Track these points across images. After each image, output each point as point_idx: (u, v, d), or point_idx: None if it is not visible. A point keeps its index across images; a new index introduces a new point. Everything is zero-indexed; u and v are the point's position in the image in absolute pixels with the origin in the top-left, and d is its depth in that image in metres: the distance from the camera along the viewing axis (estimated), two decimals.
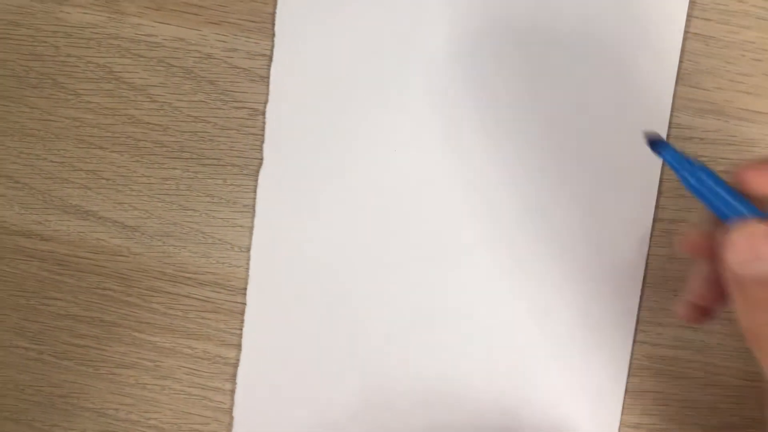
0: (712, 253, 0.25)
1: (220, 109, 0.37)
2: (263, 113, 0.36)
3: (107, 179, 0.37)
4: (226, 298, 0.37)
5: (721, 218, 0.25)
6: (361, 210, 0.36)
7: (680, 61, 0.36)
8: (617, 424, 0.36)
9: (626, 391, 0.36)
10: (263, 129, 0.36)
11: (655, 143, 0.26)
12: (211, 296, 0.37)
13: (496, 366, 0.36)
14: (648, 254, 0.37)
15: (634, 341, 0.37)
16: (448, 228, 0.36)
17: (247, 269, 0.37)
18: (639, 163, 0.37)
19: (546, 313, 0.36)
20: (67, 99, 0.37)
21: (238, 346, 0.37)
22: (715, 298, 0.27)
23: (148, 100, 0.37)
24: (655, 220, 0.37)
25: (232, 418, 0.37)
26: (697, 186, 0.25)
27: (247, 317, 0.37)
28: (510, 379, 0.36)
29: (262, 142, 0.36)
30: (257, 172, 0.37)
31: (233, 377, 0.37)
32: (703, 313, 0.27)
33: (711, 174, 0.25)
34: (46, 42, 0.36)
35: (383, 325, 0.37)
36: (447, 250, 0.36)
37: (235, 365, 0.37)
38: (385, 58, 0.36)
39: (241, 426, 0.37)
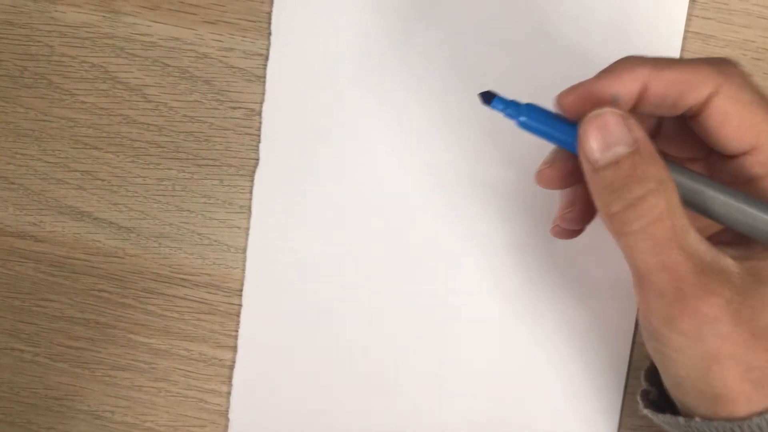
0: (566, 181, 0.28)
1: (216, 109, 0.36)
2: (259, 113, 0.36)
3: (102, 180, 0.37)
4: (222, 300, 0.37)
5: (561, 145, 0.27)
6: (357, 211, 0.36)
7: None
8: (617, 425, 0.36)
9: (626, 391, 0.36)
10: (259, 129, 0.36)
11: (486, 97, 0.27)
12: (207, 298, 0.37)
13: (494, 368, 0.36)
14: None
15: (634, 341, 0.37)
16: (445, 229, 0.36)
17: (243, 270, 0.37)
18: None
19: (542, 314, 0.36)
20: (62, 99, 0.36)
21: (235, 348, 0.37)
22: (581, 217, 0.30)
23: (144, 100, 0.36)
24: None
25: (228, 420, 0.37)
26: (530, 123, 0.26)
27: (242, 319, 0.37)
28: (508, 381, 0.36)
29: (259, 142, 0.36)
30: (253, 172, 0.36)
31: (229, 379, 0.37)
32: (572, 231, 0.30)
33: (539, 109, 0.26)
34: (40, 41, 0.36)
35: (380, 326, 0.36)
36: (443, 251, 0.36)
37: (232, 367, 0.37)
38: (382, 58, 0.36)
39: (237, 428, 0.37)
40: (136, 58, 0.36)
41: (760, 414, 0.24)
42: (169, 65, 0.36)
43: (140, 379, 0.37)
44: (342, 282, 0.36)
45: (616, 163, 0.25)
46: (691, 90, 0.26)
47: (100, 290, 0.37)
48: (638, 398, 0.29)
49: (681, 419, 0.26)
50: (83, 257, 0.37)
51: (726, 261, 0.25)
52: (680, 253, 0.24)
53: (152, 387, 0.37)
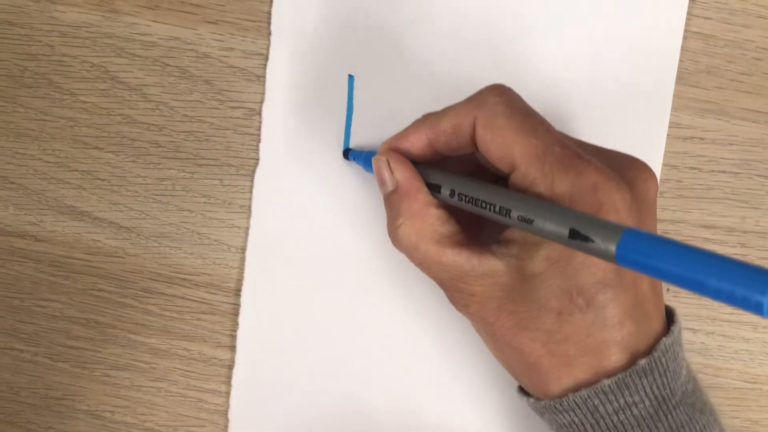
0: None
1: (216, 108, 0.36)
2: (259, 113, 0.36)
3: (102, 180, 0.37)
4: (222, 300, 0.37)
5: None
6: (357, 210, 0.36)
7: (680, 60, 0.36)
8: None
9: None
10: (259, 129, 0.36)
11: (346, 154, 0.36)
12: (206, 297, 0.37)
13: (495, 367, 0.36)
14: None
15: None
16: None
17: (243, 270, 0.36)
18: None
19: None
20: (62, 99, 0.36)
21: (234, 348, 0.37)
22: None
23: (144, 99, 0.36)
24: None
25: (227, 420, 0.37)
26: (354, 160, 0.35)
27: (241, 319, 0.36)
28: (506, 380, 0.36)
29: (259, 142, 0.36)
30: (253, 172, 0.36)
31: (229, 379, 0.37)
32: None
33: (362, 153, 0.35)
34: (40, 41, 0.36)
35: (379, 324, 0.36)
36: None
37: (231, 367, 0.37)
38: (382, 57, 0.36)
39: (237, 428, 0.37)
40: (137, 58, 0.36)
41: (573, 391, 0.29)
42: (169, 65, 0.36)
43: (140, 379, 0.37)
44: (341, 281, 0.36)
45: (386, 197, 0.31)
46: (460, 130, 0.30)
47: (99, 290, 0.37)
48: (516, 388, 0.33)
49: (530, 400, 0.31)
50: (83, 257, 0.37)
51: (491, 263, 0.29)
52: (438, 268, 0.30)
53: (152, 387, 0.37)
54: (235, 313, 0.37)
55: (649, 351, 0.28)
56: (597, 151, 0.30)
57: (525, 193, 0.28)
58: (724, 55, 0.36)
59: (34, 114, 0.37)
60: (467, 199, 0.29)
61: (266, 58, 0.36)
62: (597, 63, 0.36)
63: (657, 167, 0.36)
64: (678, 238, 0.37)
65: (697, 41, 0.36)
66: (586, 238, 0.24)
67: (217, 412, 0.37)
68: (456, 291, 0.30)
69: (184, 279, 0.37)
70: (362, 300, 0.36)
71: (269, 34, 0.36)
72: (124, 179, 0.37)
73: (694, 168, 0.37)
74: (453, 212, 0.31)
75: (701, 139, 0.37)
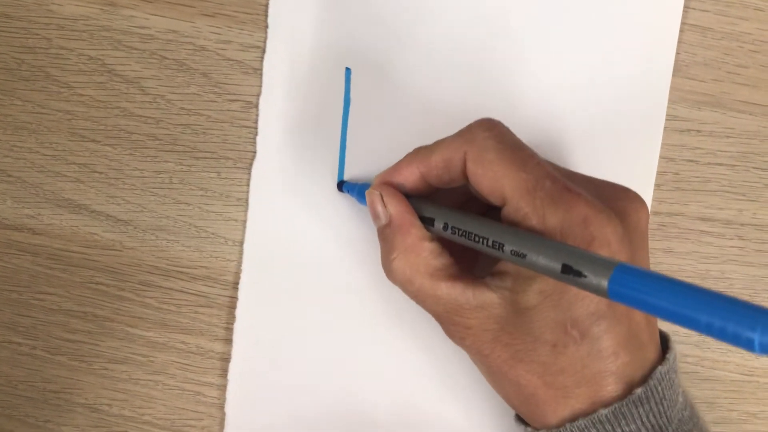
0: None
1: (214, 101, 0.36)
2: (257, 106, 0.36)
3: (100, 173, 0.37)
4: (219, 293, 0.37)
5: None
6: (354, 203, 0.36)
7: (677, 53, 0.36)
8: None
9: None
10: (256, 122, 0.36)
11: (340, 186, 0.36)
12: (204, 291, 0.37)
13: None
14: None
15: None
16: None
17: (240, 263, 0.37)
18: (635, 157, 0.36)
19: None
20: (60, 92, 0.36)
21: (232, 341, 0.37)
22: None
23: (141, 92, 0.36)
24: (652, 213, 0.37)
25: (224, 413, 0.37)
26: (348, 193, 0.35)
27: (238, 312, 0.36)
28: None
29: (256, 134, 0.36)
30: (250, 165, 0.36)
31: (226, 372, 0.37)
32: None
33: (356, 185, 0.35)
34: (38, 34, 0.36)
35: (376, 318, 0.36)
36: None
37: (229, 360, 0.37)
38: (379, 50, 0.36)
39: (234, 421, 0.37)
40: (134, 51, 0.36)
41: (571, 421, 0.29)
42: (166, 58, 0.36)
43: (137, 372, 0.37)
44: (339, 275, 0.36)
45: (380, 230, 0.32)
46: (451, 165, 0.30)
47: (97, 283, 0.37)
48: (514, 417, 0.33)
49: (528, 429, 0.31)
50: (81, 250, 0.37)
51: (485, 296, 0.29)
52: (433, 302, 0.30)
53: (149, 380, 0.37)
54: (233, 306, 0.37)
55: (644, 380, 0.28)
56: (587, 182, 0.31)
57: (517, 226, 0.28)
58: (720, 47, 0.36)
59: (32, 107, 0.37)
60: (460, 232, 0.29)
61: (263, 51, 0.36)
62: (593, 56, 0.36)
63: (654, 159, 0.36)
64: (675, 230, 0.37)
65: (694, 34, 0.36)
66: (579, 273, 0.24)
67: (215, 405, 0.37)
68: (451, 324, 0.30)
69: (181, 272, 0.37)
70: (359, 292, 0.36)
71: (266, 26, 0.36)
72: (121, 172, 0.37)
73: (691, 160, 0.37)
74: (446, 244, 0.31)
75: (698, 131, 0.37)
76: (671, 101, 0.36)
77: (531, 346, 0.29)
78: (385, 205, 0.31)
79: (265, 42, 0.36)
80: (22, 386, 0.38)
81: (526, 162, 0.29)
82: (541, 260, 0.26)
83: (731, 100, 0.37)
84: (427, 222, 0.31)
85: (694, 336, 0.37)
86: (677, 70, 0.36)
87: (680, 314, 0.21)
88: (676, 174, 0.37)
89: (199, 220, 0.37)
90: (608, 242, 0.27)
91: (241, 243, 0.37)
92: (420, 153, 0.31)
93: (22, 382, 0.38)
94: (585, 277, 0.24)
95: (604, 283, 0.23)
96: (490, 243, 0.28)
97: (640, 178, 0.36)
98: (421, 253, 0.30)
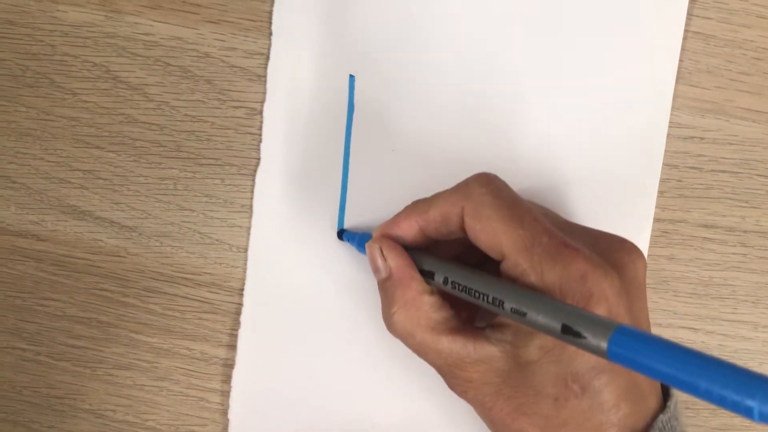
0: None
1: (218, 108, 0.36)
2: (261, 112, 0.36)
3: (104, 179, 0.37)
4: (224, 299, 0.37)
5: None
6: (359, 208, 0.36)
7: (680, 60, 0.36)
8: None
9: None
10: (261, 128, 0.36)
11: (340, 235, 0.36)
12: (208, 297, 0.37)
13: None
14: (648, 255, 0.37)
15: None
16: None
17: (245, 270, 0.37)
18: (639, 163, 0.36)
19: None
20: (64, 98, 0.36)
21: (236, 348, 0.37)
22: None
23: (145, 99, 0.36)
24: (655, 220, 0.37)
25: (228, 419, 0.37)
26: (349, 242, 0.36)
27: (243, 318, 0.37)
28: None
29: (260, 141, 0.36)
30: (255, 171, 0.36)
31: (230, 379, 0.37)
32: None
33: (357, 235, 0.35)
34: (42, 41, 0.36)
35: (381, 325, 0.36)
36: None
37: (233, 366, 0.37)
38: (383, 57, 0.36)
39: (237, 427, 0.37)
40: (138, 58, 0.36)
41: None
42: (170, 65, 0.36)
43: (142, 378, 0.37)
44: (343, 281, 0.36)
45: (380, 283, 0.32)
46: (449, 219, 0.30)
47: (101, 289, 0.37)
48: None
49: None
50: (85, 256, 0.37)
51: (486, 350, 0.29)
52: (434, 356, 0.30)
53: (154, 386, 0.37)
54: (237, 313, 0.37)
55: (646, 430, 0.29)
56: (583, 233, 0.31)
57: (516, 281, 0.28)
58: (724, 54, 0.37)
59: (36, 114, 0.37)
60: (460, 287, 0.30)
61: (267, 58, 0.36)
62: (596, 63, 0.36)
63: (657, 167, 0.36)
64: (678, 237, 0.37)
65: (697, 41, 0.36)
66: (578, 334, 0.24)
67: (219, 411, 0.37)
68: (453, 377, 0.30)
69: (185, 278, 0.37)
70: (364, 299, 0.36)
71: (270, 34, 0.36)
72: (125, 179, 0.37)
73: (695, 167, 0.37)
74: (447, 294, 0.31)
75: (701, 138, 0.37)
76: (674, 108, 0.37)
77: (533, 400, 0.29)
78: (385, 259, 0.32)
79: (269, 49, 0.36)
80: (27, 392, 0.38)
81: (523, 218, 0.29)
82: (541, 319, 0.26)
83: (734, 108, 0.37)
84: (427, 275, 0.31)
85: (697, 342, 0.37)
86: (680, 78, 0.36)
87: (679, 379, 0.21)
88: (679, 181, 0.37)
89: (203, 227, 0.37)
90: (606, 297, 0.27)
91: (246, 249, 0.37)
92: (418, 207, 0.32)
93: (27, 387, 0.38)
94: (584, 338, 0.24)
95: (604, 344, 0.23)
96: (490, 300, 0.28)
97: (643, 185, 0.36)
98: (422, 307, 0.31)
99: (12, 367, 0.38)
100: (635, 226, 0.36)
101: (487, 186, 0.30)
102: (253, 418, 0.37)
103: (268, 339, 0.37)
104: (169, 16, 0.36)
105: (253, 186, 0.36)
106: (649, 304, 0.37)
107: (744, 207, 0.37)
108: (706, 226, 0.37)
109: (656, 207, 0.37)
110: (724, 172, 0.37)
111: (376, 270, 0.32)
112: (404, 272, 0.31)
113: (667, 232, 0.37)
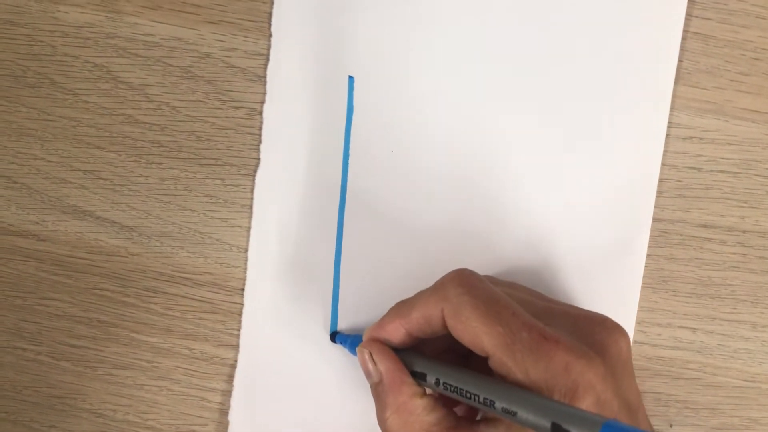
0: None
1: (218, 108, 0.36)
2: (261, 113, 0.36)
3: (105, 179, 0.37)
4: (224, 299, 0.37)
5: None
6: (357, 210, 0.36)
7: (680, 61, 0.36)
8: None
9: None
10: (261, 129, 0.36)
11: (333, 337, 0.36)
12: (208, 297, 0.37)
13: None
14: (647, 254, 0.37)
15: (634, 342, 0.37)
16: (445, 226, 0.36)
17: (245, 270, 0.37)
18: (638, 164, 0.37)
19: None
20: (65, 99, 0.37)
21: (236, 347, 0.37)
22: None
23: (146, 99, 0.36)
24: (654, 220, 0.37)
25: (228, 419, 0.37)
26: (342, 344, 0.36)
27: (244, 318, 0.37)
28: None
29: (260, 142, 0.36)
30: (255, 172, 0.36)
31: (231, 378, 0.37)
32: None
33: (348, 337, 0.36)
34: (43, 41, 0.36)
35: None
36: (442, 247, 0.36)
37: (233, 366, 0.37)
38: (382, 58, 0.36)
39: (238, 427, 0.37)
40: (139, 58, 0.36)
41: None
42: (171, 65, 0.36)
43: (142, 378, 0.38)
44: (343, 281, 0.36)
45: (373, 387, 0.32)
46: (431, 320, 0.31)
47: (102, 289, 0.37)
48: None
49: None
50: (85, 256, 0.37)
51: None
52: None
53: (154, 385, 0.38)
54: (237, 312, 0.37)
55: None
56: (563, 316, 0.31)
57: (505, 379, 0.29)
58: (723, 55, 0.37)
59: (37, 114, 0.37)
60: (452, 388, 0.30)
61: (267, 58, 0.36)
62: (596, 63, 0.36)
63: (657, 165, 0.36)
64: (677, 237, 0.37)
65: (696, 42, 0.37)
66: None
67: (219, 411, 0.37)
68: None
69: (186, 278, 0.37)
70: (363, 299, 0.36)
71: (270, 34, 0.36)
72: (126, 179, 0.37)
73: (694, 168, 0.37)
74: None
75: (701, 138, 0.37)
76: (674, 109, 0.37)
77: None
78: (375, 363, 0.32)
79: (269, 49, 0.36)
80: (27, 392, 0.38)
81: (500, 314, 0.29)
82: (531, 418, 0.27)
83: (733, 108, 0.37)
84: (418, 376, 0.31)
85: (696, 342, 0.37)
86: (680, 78, 0.37)
87: None
88: (679, 181, 0.37)
89: (203, 227, 0.37)
90: (592, 386, 0.28)
91: (246, 249, 0.37)
92: (401, 310, 0.32)
93: (27, 387, 0.38)
94: None
95: None
96: (481, 400, 0.29)
97: (642, 185, 0.36)
98: (414, 411, 0.31)
99: (12, 367, 0.38)
100: (634, 226, 0.36)
101: (463, 286, 0.30)
102: (254, 417, 0.37)
103: (269, 337, 0.37)
104: (169, 16, 0.36)
105: (253, 186, 0.37)
106: (649, 304, 0.37)
107: (743, 207, 0.37)
108: (705, 226, 0.37)
109: (655, 207, 0.37)
110: (723, 172, 0.37)
111: (368, 374, 0.32)
112: (395, 376, 0.31)
113: (666, 232, 0.37)
